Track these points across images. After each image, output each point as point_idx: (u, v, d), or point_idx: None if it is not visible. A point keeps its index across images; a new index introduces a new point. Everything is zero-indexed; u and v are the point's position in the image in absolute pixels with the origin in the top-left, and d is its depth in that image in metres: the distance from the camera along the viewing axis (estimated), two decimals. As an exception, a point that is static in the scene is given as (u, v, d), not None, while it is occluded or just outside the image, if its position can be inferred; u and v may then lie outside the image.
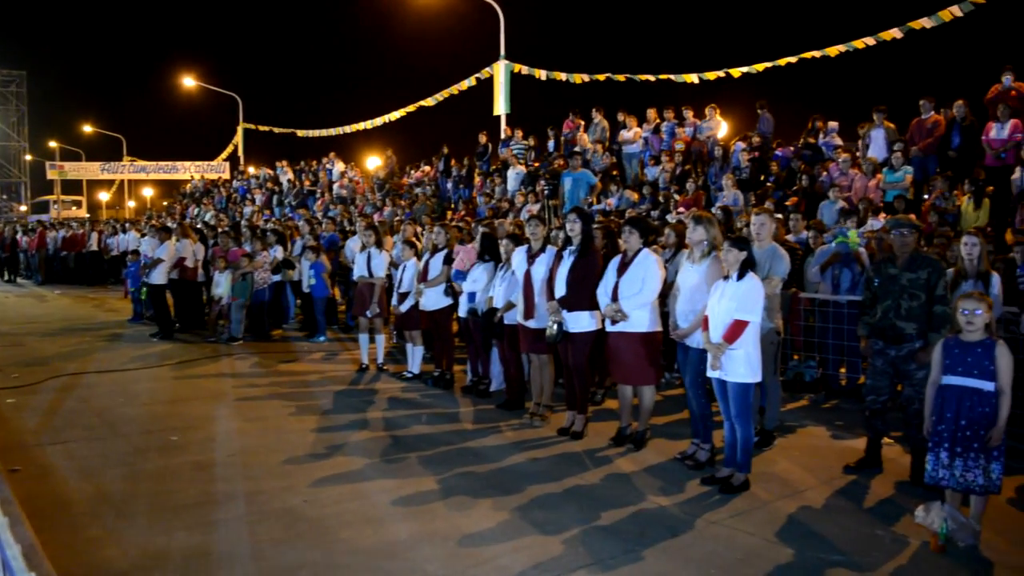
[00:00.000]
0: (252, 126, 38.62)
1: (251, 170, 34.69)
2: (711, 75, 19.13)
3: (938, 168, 12.75)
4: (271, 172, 30.49)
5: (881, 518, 5.76)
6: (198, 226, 20.50)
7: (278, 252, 14.33)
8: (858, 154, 13.83)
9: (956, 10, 14.66)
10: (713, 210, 12.54)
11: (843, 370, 9.45)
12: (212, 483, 6.40)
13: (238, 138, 39.68)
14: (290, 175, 28.58)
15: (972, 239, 7.31)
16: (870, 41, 16.17)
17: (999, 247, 9.42)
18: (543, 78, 22.50)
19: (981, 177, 12.12)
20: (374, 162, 30.29)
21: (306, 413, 8.67)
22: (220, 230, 16.67)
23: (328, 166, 27.02)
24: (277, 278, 14.16)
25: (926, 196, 12.29)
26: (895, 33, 15.76)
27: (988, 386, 5.20)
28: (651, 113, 18.15)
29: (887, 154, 13.14)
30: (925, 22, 15.26)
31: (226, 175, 39.32)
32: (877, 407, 6.75)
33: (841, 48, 16.79)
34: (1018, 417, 7.29)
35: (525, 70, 22.95)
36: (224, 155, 42.38)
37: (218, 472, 6.68)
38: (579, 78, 21.64)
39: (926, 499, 5.42)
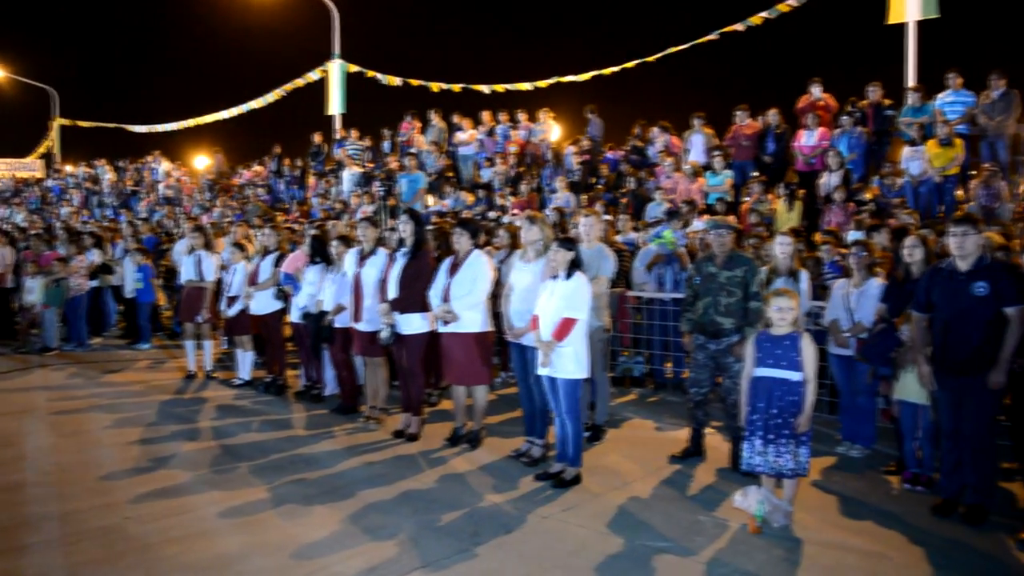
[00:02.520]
0: (69, 121, 36.29)
1: (68, 168, 32.58)
2: (543, 83, 19.43)
3: (755, 172, 13.48)
4: (90, 171, 28.77)
5: (704, 504, 6.05)
6: (5, 228, 19.11)
7: (95, 256, 13.57)
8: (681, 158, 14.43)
9: (765, 14, 15.54)
10: (547, 211, 12.80)
11: (668, 364, 9.85)
12: (23, 505, 5.99)
13: (53, 134, 37.23)
14: (111, 174, 27.07)
15: (784, 239, 7.76)
16: (685, 46, 16.86)
17: (809, 246, 10.05)
18: (378, 79, 22.27)
19: (793, 181, 12.89)
20: (202, 161, 29.08)
21: (128, 425, 8.25)
22: (32, 232, 15.62)
23: (153, 165, 25.79)
24: (95, 283, 13.40)
25: (745, 198, 12.96)
26: (712, 37, 16.49)
27: (795, 376, 5.55)
28: (486, 116, 18.33)
29: (707, 158, 13.78)
30: (738, 27, 16.07)
31: (40, 174, 36.76)
32: (699, 399, 7.08)
33: (660, 55, 17.38)
34: (823, 403, 7.88)
35: (359, 70, 22.64)
36: (38, 153, 39.62)
37: (30, 493, 6.27)
38: (415, 82, 21.57)
39: (744, 484, 5.73)
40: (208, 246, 10.78)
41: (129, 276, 13.10)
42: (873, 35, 16.21)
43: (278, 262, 9.67)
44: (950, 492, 5.87)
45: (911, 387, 6.29)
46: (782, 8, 15.19)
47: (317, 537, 5.40)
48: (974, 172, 11.91)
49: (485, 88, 20.31)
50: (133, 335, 13.33)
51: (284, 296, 9.58)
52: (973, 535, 5.48)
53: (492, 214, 14.50)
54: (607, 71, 18.13)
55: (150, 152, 26.71)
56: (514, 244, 9.30)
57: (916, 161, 11.90)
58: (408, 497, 6.17)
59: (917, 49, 13.66)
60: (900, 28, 13.84)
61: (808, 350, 5.58)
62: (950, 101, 12.29)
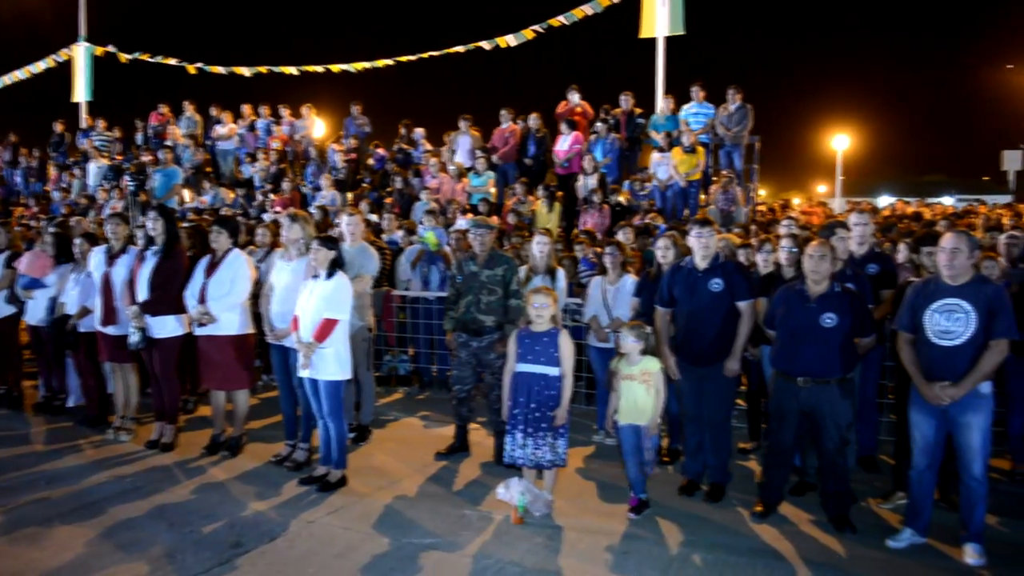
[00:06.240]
0: None
1: None
2: (311, 68, 18.97)
3: (517, 174, 13.88)
4: None
5: (469, 499, 6.17)
6: None
7: None
8: (445, 159, 14.61)
9: (538, 28, 16.14)
10: (311, 210, 12.56)
11: (434, 363, 9.93)
12: None
13: None
14: None
15: (542, 239, 8.02)
16: (461, 49, 17.12)
17: (568, 245, 10.47)
18: (127, 60, 20.84)
19: (553, 184, 13.39)
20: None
21: None
22: None
23: None
24: None
25: (507, 199, 13.31)
26: (484, 45, 16.82)
27: (554, 371, 5.77)
28: (246, 109, 17.67)
29: (472, 160, 14.03)
30: (510, 39, 16.51)
31: None
32: (463, 395, 7.20)
33: (435, 53, 17.54)
34: (582, 395, 8.26)
35: (109, 54, 21.09)
36: None
37: None
38: (168, 60, 20.41)
39: (507, 477, 5.89)
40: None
41: None
42: (627, 48, 17.18)
43: (10, 261, 8.83)
44: (693, 473, 6.34)
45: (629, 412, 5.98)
46: (527, 35, 15.91)
47: (60, 561, 5.02)
48: (715, 178, 12.92)
49: (247, 70, 19.60)
50: None
51: (16, 299, 8.75)
52: (714, 511, 5.95)
53: (253, 212, 14.04)
54: (380, 63, 18.00)
55: None
56: (275, 243, 9.05)
57: (663, 167, 12.75)
58: (163, 510, 5.86)
59: (666, 62, 14.59)
60: (651, 42, 14.72)
61: (566, 346, 5.81)
62: (694, 112, 13.28)
